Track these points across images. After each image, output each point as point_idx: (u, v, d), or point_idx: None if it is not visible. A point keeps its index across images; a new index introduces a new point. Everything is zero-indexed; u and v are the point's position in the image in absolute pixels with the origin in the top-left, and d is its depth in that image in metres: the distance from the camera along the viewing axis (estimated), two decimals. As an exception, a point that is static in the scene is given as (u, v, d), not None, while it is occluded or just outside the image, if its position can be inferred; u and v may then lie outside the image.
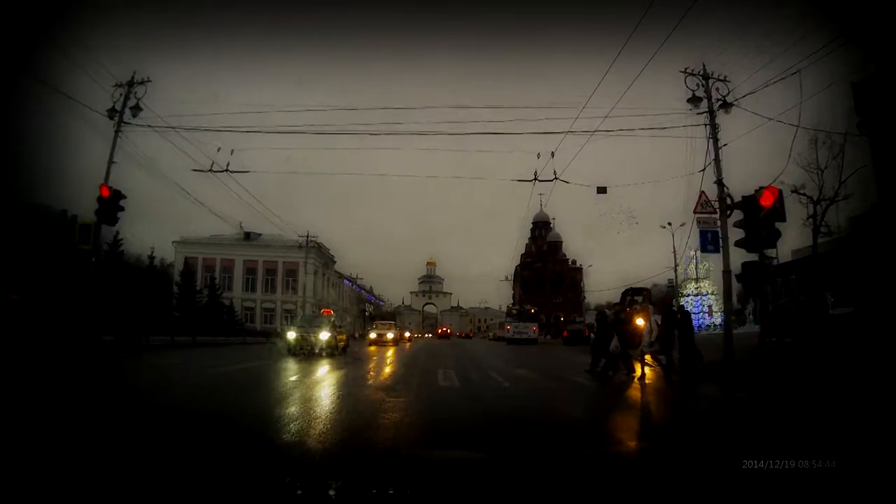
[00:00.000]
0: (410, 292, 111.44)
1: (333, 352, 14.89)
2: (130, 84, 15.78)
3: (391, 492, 2.36)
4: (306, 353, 13.87)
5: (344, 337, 17.46)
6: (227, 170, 15.14)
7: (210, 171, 15.16)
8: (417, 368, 11.45)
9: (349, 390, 7.35)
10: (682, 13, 10.99)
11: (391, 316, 64.40)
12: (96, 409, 5.12)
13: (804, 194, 16.33)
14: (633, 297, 15.88)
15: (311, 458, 3.60)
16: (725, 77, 13.30)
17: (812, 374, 8.08)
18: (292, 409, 5.49)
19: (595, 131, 14.91)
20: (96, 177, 14.66)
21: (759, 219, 8.66)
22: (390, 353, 18.07)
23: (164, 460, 2.78)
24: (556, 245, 70.99)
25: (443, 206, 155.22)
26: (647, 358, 9.34)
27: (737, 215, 11.16)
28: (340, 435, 4.31)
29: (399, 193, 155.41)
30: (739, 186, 11.98)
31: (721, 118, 13.06)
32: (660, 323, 9.35)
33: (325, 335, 14.51)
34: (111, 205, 14.14)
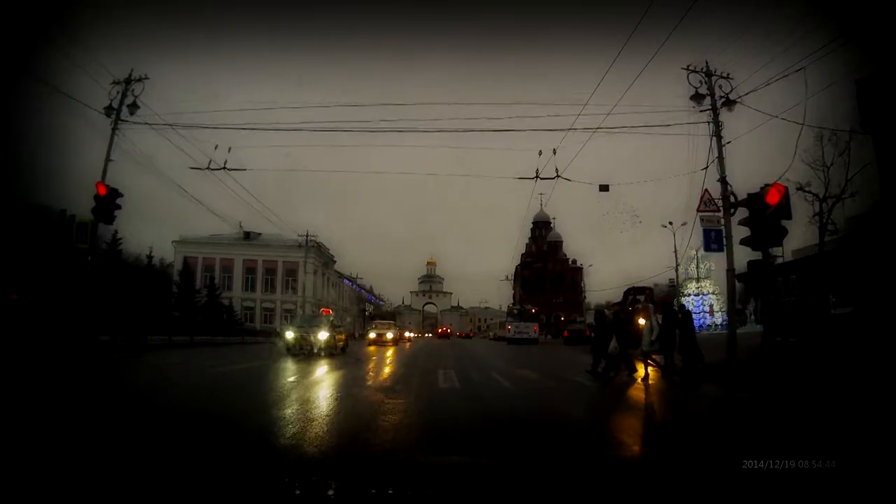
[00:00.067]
0: (410, 292, 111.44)
1: (332, 352, 14.77)
2: (128, 81, 15.66)
3: (390, 492, 2.36)
4: (305, 354, 13.74)
5: (343, 337, 17.32)
6: (224, 167, 15.02)
7: (207, 168, 15.04)
8: (417, 369, 11.33)
9: (348, 391, 7.24)
10: (682, 13, 10.95)
11: (391, 316, 64.41)
12: (96, 409, 5.07)
13: (810, 192, 16.20)
14: (636, 296, 15.82)
15: (306, 461, 3.53)
16: (728, 74, 13.18)
17: (817, 374, 7.97)
18: (289, 412, 5.38)
19: (598, 128, 14.80)
20: (96, 176, 14.60)
21: (765, 216, 8.52)
22: (390, 353, 17.94)
23: (163, 461, 2.84)
24: (557, 245, 70.91)
25: (443, 205, 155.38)
26: (656, 357, 9.22)
27: (740, 214, 11.06)
28: (338, 438, 4.21)
29: (399, 193, 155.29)
30: (741, 185, 11.94)
31: (723, 116, 12.95)
32: (660, 322, 9.24)
33: (323, 335, 14.38)
34: (108, 203, 14.03)
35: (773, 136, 15.14)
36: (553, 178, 14.70)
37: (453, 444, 4.14)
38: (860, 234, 15.53)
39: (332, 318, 16.88)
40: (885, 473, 2.42)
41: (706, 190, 11.76)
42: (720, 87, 13.04)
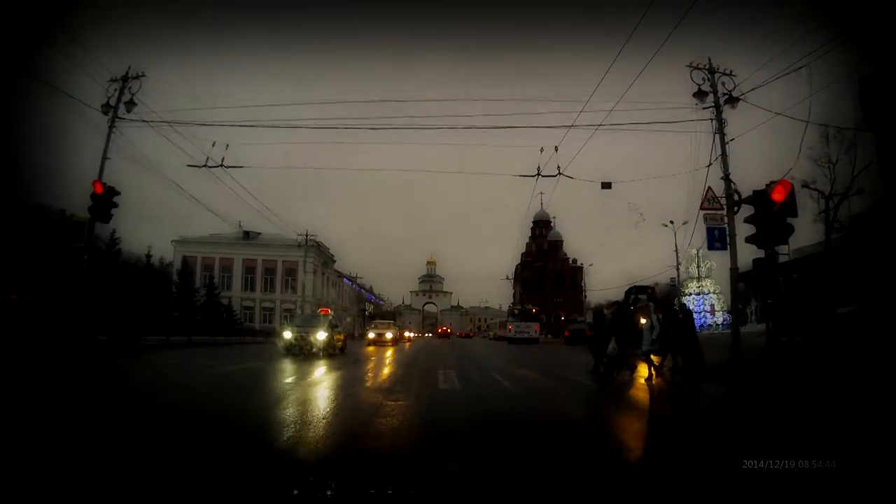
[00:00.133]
0: (410, 291, 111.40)
1: (331, 352, 14.62)
2: (125, 79, 15.54)
3: (390, 492, 2.36)
4: (305, 354, 13.58)
5: (342, 337, 17.15)
6: (222, 165, 14.87)
7: (205, 166, 14.89)
8: (417, 369, 11.20)
9: (346, 393, 7.10)
10: (681, 13, 10.90)
11: (391, 315, 64.29)
12: (92, 410, 5.03)
13: (815, 189, 16.07)
14: (637, 295, 15.66)
15: (302, 466, 3.40)
16: (731, 71, 13.06)
17: (823, 374, 7.85)
18: (285, 414, 5.24)
19: (600, 125, 14.65)
20: (96, 176, 14.52)
21: (771, 214, 8.38)
22: (389, 353, 17.79)
23: (160, 462, 2.87)
24: (557, 244, 70.86)
25: (443, 204, 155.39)
26: (654, 358, 9.09)
27: (743, 212, 10.94)
28: (335, 440, 4.07)
29: (399, 193, 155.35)
30: (742, 183, 11.88)
31: (725, 113, 12.84)
32: (661, 321, 9.11)
33: (322, 335, 14.22)
34: (105, 201, 13.92)
35: (773, 136, 15.09)
36: (555, 176, 14.57)
37: (454, 446, 4.04)
38: (861, 233, 15.43)
39: (330, 318, 16.71)
40: (886, 473, 2.43)
41: (709, 188, 11.65)
42: (723, 83, 12.95)
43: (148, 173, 16.94)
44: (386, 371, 10.86)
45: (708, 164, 12.12)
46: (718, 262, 36.05)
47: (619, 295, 19.89)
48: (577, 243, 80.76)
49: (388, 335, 25.49)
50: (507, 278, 65.31)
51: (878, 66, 13.87)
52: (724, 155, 11.99)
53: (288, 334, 14.38)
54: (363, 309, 66.21)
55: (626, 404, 6.79)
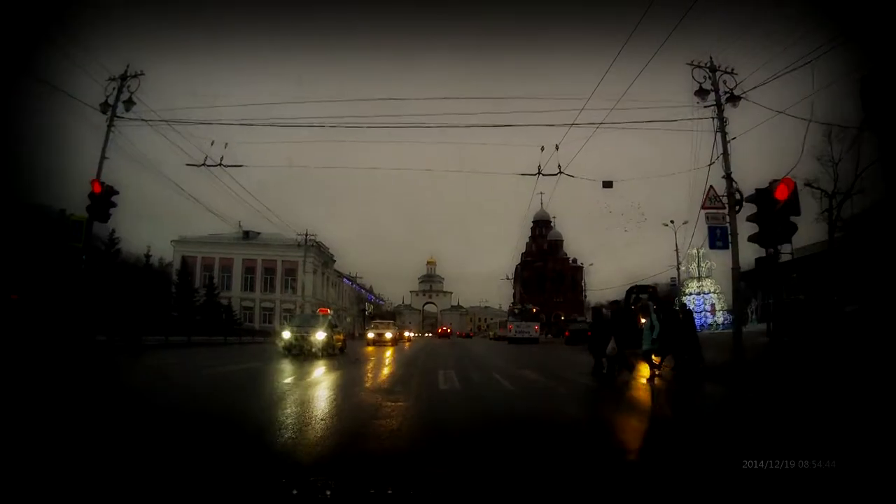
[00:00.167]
0: (410, 291, 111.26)
1: (330, 352, 14.54)
2: (123, 78, 15.45)
3: (390, 492, 2.36)
4: (305, 354, 13.51)
5: (341, 337, 17.07)
6: (220, 164, 14.79)
7: (203, 165, 14.81)
8: (417, 369, 11.13)
9: (345, 393, 7.05)
10: (681, 13, 10.86)
11: (391, 315, 64.19)
12: (94, 410, 5.03)
13: (818, 188, 15.99)
14: (639, 294, 15.57)
15: (298, 468, 3.32)
16: (732, 69, 12.99)
17: (827, 374, 7.78)
18: (282, 416, 5.17)
19: (600, 124, 14.57)
20: (95, 175, 14.44)
21: (774, 213, 8.32)
22: (389, 353, 17.73)
23: (160, 462, 2.86)
24: (557, 244, 70.77)
25: (443, 204, 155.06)
26: (655, 358, 9.03)
27: (745, 211, 10.87)
28: (334, 441, 4.02)
29: (399, 192, 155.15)
30: (742, 183, 11.83)
31: (726, 113, 12.77)
32: (661, 321, 9.04)
33: (320, 335, 14.13)
34: (103, 201, 13.85)
35: (772, 135, 15.04)
36: (555, 175, 14.48)
37: (455, 447, 3.98)
38: (862, 232, 15.38)
39: (329, 318, 16.63)
40: (886, 473, 2.43)
41: (711, 186, 11.57)
42: (724, 82, 12.86)
43: (147, 173, 16.91)
44: (385, 371, 10.80)
45: (709, 162, 12.06)
46: (719, 261, 35.97)
47: (619, 294, 19.84)
48: (577, 243, 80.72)
49: (388, 335, 25.34)
50: (507, 278, 65.35)
51: (879, 66, 13.85)
52: (725, 154, 11.92)
53: (287, 334, 14.30)
54: (363, 309, 66.12)
55: (627, 405, 6.77)
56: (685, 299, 35.12)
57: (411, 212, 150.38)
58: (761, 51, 18.06)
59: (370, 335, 25.99)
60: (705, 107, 12.65)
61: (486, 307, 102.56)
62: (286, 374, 9.43)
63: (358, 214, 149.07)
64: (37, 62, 14.16)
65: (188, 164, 15.16)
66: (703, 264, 41.47)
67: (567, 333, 31.29)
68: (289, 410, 5.44)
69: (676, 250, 29.43)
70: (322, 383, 8.25)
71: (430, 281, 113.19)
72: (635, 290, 16.75)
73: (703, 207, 11.57)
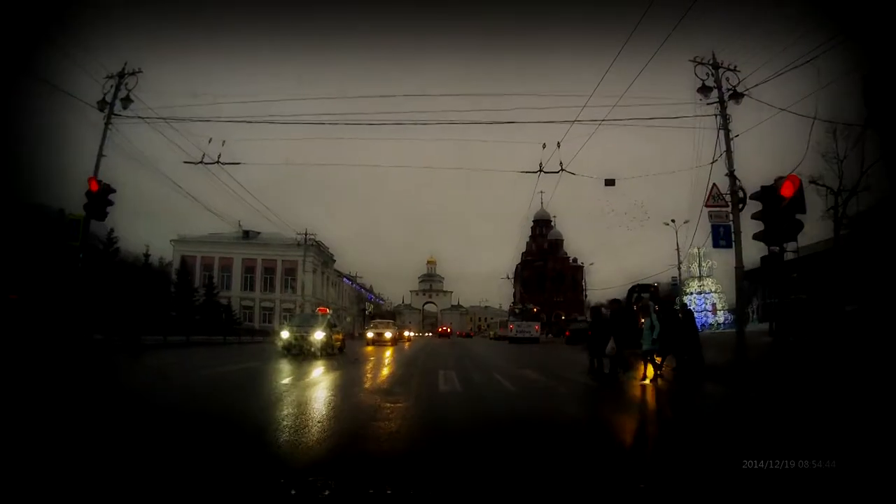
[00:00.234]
0: (410, 291, 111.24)
1: (329, 352, 14.43)
2: (121, 75, 15.33)
3: (389, 492, 2.33)
4: (304, 354, 13.39)
5: (340, 337, 16.93)
6: (218, 161, 14.65)
7: (201, 162, 14.67)
8: (416, 369, 11.02)
9: (343, 394, 6.93)
10: (681, 13, 10.79)
11: (391, 315, 64.08)
12: (92, 410, 5.02)
13: (823, 185, 15.86)
14: (640, 293, 15.39)
15: (294, 471, 3.17)
16: (735, 67, 12.87)
17: (831, 374, 7.67)
18: (279, 418, 5.05)
19: (602, 121, 14.44)
20: (96, 176, 14.37)
21: (780, 210, 8.18)
22: (388, 353, 17.60)
23: (158, 462, 2.87)
24: (557, 243, 70.64)
25: (443, 204, 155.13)
26: (657, 359, 8.89)
27: (748, 210, 10.76)
28: (332, 443, 3.90)
29: (399, 192, 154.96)
30: (744, 181, 11.73)
31: (729, 110, 12.66)
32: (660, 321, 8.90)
33: (319, 335, 14.00)
34: (100, 199, 13.73)
35: (774, 134, 14.98)
36: (557, 173, 14.35)
37: (456, 449, 3.87)
38: (865, 231, 15.28)
39: (328, 318, 16.51)
40: (886, 473, 2.44)
41: (714, 184, 11.44)
42: (727, 79, 12.73)
43: (147, 172, 16.87)
44: (385, 371, 10.68)
45: (712, 160, 11.93)
46: (720, 260, 35.90)
47: (620, 294, 19.68)
48: (577, 242, 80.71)
49: (388, 335, 25.13)
50: (508, 278, 65.28)
51: (881, 64, 13.78)
52: (728, 151, 11.79)
53: (285, 334, 14.18)
54: (363, 308, 66.03)
55: (627, 405, 6.74)
56: (686, 299, 35.03)
57: (411, 211, 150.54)
58: (761, 51, 17.98)
59: (369, 335, 25.78)
60: (708, 104, 12.53)
61: (486, 307, 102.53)
62: (284, 374, 9.30)
63: (358, 214, 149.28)
64: (37, 62, 14.14)
65: (185, 162, 15.06)
66: (704, 263, 41.36)
67: (568, 333, 31.18)
68: (285, 412, 5.33)
69: (677, 249, 29.33)
70: (320, 384, 8.14)
71: (430, 280, 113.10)
72: (637, 290, 16.55)
73: (706, 205, 11.44)
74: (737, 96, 12.46)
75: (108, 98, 15.07)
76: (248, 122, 15.31)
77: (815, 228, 16.92)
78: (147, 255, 33.22)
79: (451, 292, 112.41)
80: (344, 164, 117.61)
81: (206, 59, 67.40)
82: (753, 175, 11.85)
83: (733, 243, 11.30)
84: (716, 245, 11.37)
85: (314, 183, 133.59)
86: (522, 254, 70.86)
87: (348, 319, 54.92)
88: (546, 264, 67.57)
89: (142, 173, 17.72)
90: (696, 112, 12.96)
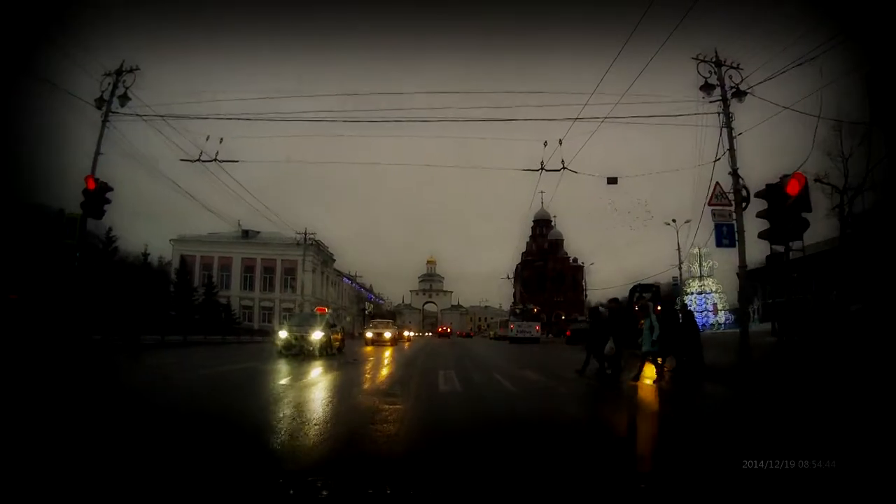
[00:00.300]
0: (410, 291, 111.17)
1: (328, 352, 14.30)
2: (119, 73, 15.23)
3: (388, 492, 2.34)
4: (304, 354, 13.26)
5: (339, 336, 16.80)
6: (215, 159, 14.53)
7: (198, 160, 14.55)
8: (416, 370, 10.90)
9: (341, 395, 6.80)
10: (682, 12, 10.72)
11: (391, 315, 63.84)
12: (90, 410, 5.01)
13: (828, 184, 15.74)
14: (642, 293, 15.29)
15: (289, 475, 3.06)
16: (738, 65, 12.77)
17: (835, 374, 7.56)
18: (274, 421, 4.93)
19: (604, 118, 14.35)
20: (96, 175, 14.30)
21: (786, 208, 8.06)
22: (388, 353, 17.48)
23: (154, 462, 2.90)
24: (558, 243, 70.51)
25: (443, 204, 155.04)
26: (658, 360, 8.77)
27: (752, 209, 10.67)
28: (329, 445, 3.81)
29: (399, 192, 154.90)
30: (747, 180, 11.64)
31: (732, 109, 12.56)
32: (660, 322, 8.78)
33: (318, 335, 13.86)
34: (97, 197, 13.64)
35: (774, 133, 14.92)
36: (559, 171, 14.23)
37: (457, 451, 3.78)
38: (867, 230, 15.19)
39: (327, 317, 16.37)
40: (886, 473, 2.44)
41: (717, 183, 11.33)
42: (730, 77, 12.64)
43: (147, 171, 16.75)
44: (384, 372, 10.56)
45: (715, 158, 11.81)
46: (721, 260, 35.78)
47: (620, 294, 19.60)
48: (577, 242, 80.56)
49: (387, 335, 24.87)
50: (508, 277, 65.21)
51: (883, 62, 13.70)
52: (731, 150, 11.69)
53: (284, 334, 14.04)
54: (363, 308, 65.90)
55: (629, 405, 6.69)
56: (687, 299, 34.91)
57: (411, 211, 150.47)
58: (761, 50, 17.98)
59: (368, 335, 25.49)
60: (711, 102, 12.45)
61: (486, 307, 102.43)
62: (281, 375, 9.17)
63: (357, 213, 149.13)
64: (37, 62, 14.13)
65: (182, 160, 14.95)
66: (705, 263, 41.22)
67: (568, 333, 31.10)
68: (283, 413, 5.22)
69: (678, 249, 29.20)
70: (318, 384, 8.03)
71: (430, 280, 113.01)
72: (638, 289, 16.50)
73: (709, 204, 11.33)
74: (739, 94, 12.37)
75: (106, 96, 14.98)
76: (246, 120, 15.18)
77: (820, 227, 16.82)
78: (146, 255, 33.16)
79: (451, 292, 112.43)
80: (343, 163, 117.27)
81: (206, 58, 67.26)
82: (756, 174, 11.78)
83: (736, 242, 11.19)
84: (719, 244, 11.26)
85: (314, 182, 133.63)
86: (522, 254, 70.75)
87: (348, 319, 54.80)
88: (546, 264, 67.43)
89: (141, 173, 17.63)
90: (698, 110, 12.88)
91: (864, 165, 15.64)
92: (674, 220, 29.16)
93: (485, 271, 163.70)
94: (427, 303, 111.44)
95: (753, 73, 12.56)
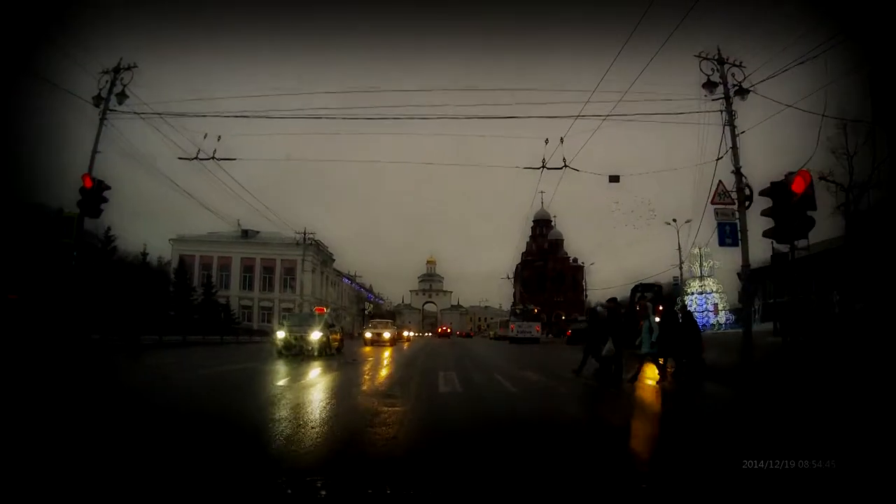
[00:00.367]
0: (410, 291, 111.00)
1: (327, 352, 14.18)
2: (116, 70, 15.13)
3: (388, 492, 2.36)
4: (304, 354, 13.15)
5: (338, 337, 16.67)
6: (213, 157, 14.42)
7: (196, 158, 14.45)
8: (416, 370, 10.79)
9: (340, 397, 6.68)
10: (682, 12, 10.67)
11: (391, 315, 63.74)
12: (90, 410, 5.02)
13: (833, 181, 15.64)
14: (644, 293, 15.16)
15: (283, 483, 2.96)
16: (741, 62, 12.67)
17: (839, 374, 7.46)
18: (271, 421, 4.83)
19: (607, 116, 14.23)
20: (95, 173, 14.23)
21: (791, 206, 7.95)
22: (387, 353, 17.36)
23: (152, 462, 2.88)
24: (558, 243, 70.39)
25: (443, 204, 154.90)
26: (660, 361, 8.64)
27: (755, 208, 10.57)
28: (330, 445, 3.77)
29: (398, 192, 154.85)
30: (749, 179, 11.52)
31: (734, 107, 12.46)
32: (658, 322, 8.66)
33: (316, 335, 13.73)
34: (94, 196, 13.57)
35: (775, 132, 14.84)
36: (560, 169, 14.10)
37: (457, 451, 3.74)
38: (871, 227, 15.12)
39: (326, 317, 16.24)
40: (886, 473, 2.45)
41: (720, 181, 11.22)
42: (732, 75, 12.54)
43: (146, 171, 16.77)
44: (384, 373, 10.45)
45: (718, 157, 11.70)
46: (722, 260, 35.66)
47: (620, 293, 19.46)
48: (577, 242, 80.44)
49: (386, 335, 24.58)
50: (508, 277, 65.07)
51: (884, 61, 13.63)
52: (734, 148, 11.58)
53: (281, 334, 13.91)
54: (363, 308, 65.78)
55: (630, 406, 6.64)
56: (688, 299, 34.80)
57: (411, 211, 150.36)
58: (761, 50, 17.96)
59: (367, 335, 25.14)
60: (713, 100, 12.35)
61: (486, 307, 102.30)
62: (280, 375, 9.05)
63: (357, 213, 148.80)
64: (37, 62, 14.14)
65: (180, 158, 14.84)
66: (705, 263, 41.10)
67: (569, 333, 31.01)
68: (281, 415, 5.12)
69: (679, 249, 29.09)
70: (317, 385, 7.91)
71: (430, 280, 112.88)
72: (640, 289, 16.35)
73: (711, 203, 11.22)
74: (742, 92, 12.27)
75: (104, 93, 14.89)
76: (244, 118, 15.03)
77: (823, 226, 16.71)
78: (145, 254, 33.04)
79: (451, 292, 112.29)
80: (343, 161, 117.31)
81: (206, 58, 67.14)
82: (758, 172, 11.69)
83: (739, 241, 11.07)
84: (721, 243, 11.16)
85: (313, 182, 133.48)
86: (522, 254, 70.63)
87: (348, 319, 54.70)
88: (546, 264, 67.30)
89: (141, 172, 17.62)
90: (700, 108, 12.78)
91: (870, 163, 15.54)
92: (674, 220, 29.07)
93: (485, 271, 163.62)
94: (427, 303, 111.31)
95: (754, 72, 12.50)
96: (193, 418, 4.79)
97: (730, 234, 10.94)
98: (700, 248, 35.57)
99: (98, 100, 14.95)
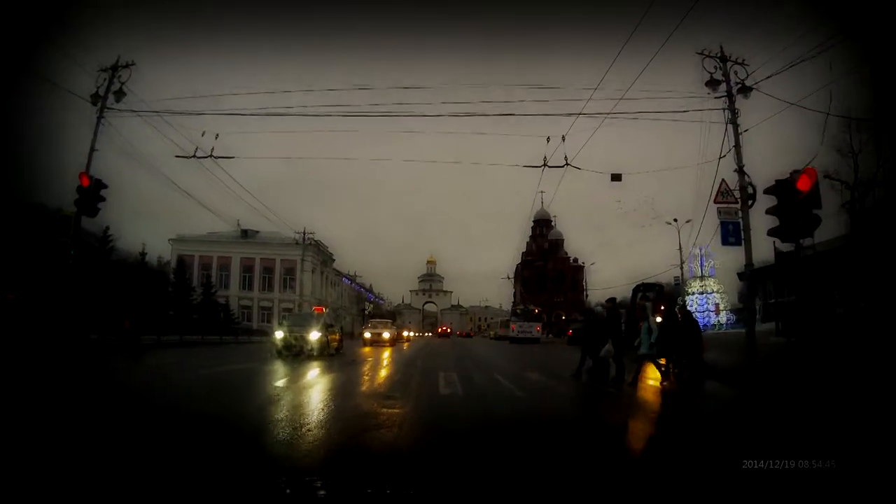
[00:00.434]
0: (410, 291, 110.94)
1: (326, 352, 14.07)
2: (114, 68, 15.03)
3: (388, 491, 2.38)
4: (304, 354, 13.03)
5: (337, 337, 16.54)
6: (211, 155, 14.31)
7: (193, 156, 14.34)
8: (416, 370, 10.69)
9: (339, 398, 6.57)
10: (682, 12, 10.62)
11: (391, 315, 63.61)
12: (92, 410, 5.01)
13: (838, 179, 15.55)
14: (645, 293, 15.04)
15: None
16: (743, 60, 12.58)
17: (841, 374, 7.37)
18: (270, 421, 4.75)
19: (608, 114, 14.12)
20: (95, 173, 14.18)
21: (796, 205, 7.84)
22: (387, 353, 17.25)
23: (151, 462, 2.86)
24: (558, 243, 70.35)
25: (443, 204, 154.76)
26: (661, 360, 8.53)
27: (758, 206, 10.49)
28: (329, 445, 3.72)
29: (399, 192, 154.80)
30: (752, 177, 11.41)
31: (737, 105, 12.37)
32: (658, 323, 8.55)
33: (315, 335, 13.60)
34: (92, 195, 13.46)
35: (778, 131, 14.75)
36: (562, 167, 13.99)
37: (457, 451, 3.70)
38: (875, 226, 15.05)
39: (325, 317, 16.13)
40: (886, 473, 2.44)
41: (723, 180, 11.13)
42: (735, 73, 12.45)
43: (146, 171, 16.82)
44: (383, 373, 10.35)
45: (721, 155, 11.60)
46: (722, 260, 35.57)
47: (620, 293, 19.38)
48: (578, 242, 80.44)
49: (386, 335, 24.32)
50: (508, 277, 64.98)
51: (884, 61, 13.57)
52: (737, 146, 11.48)
53: (280, 334, 13.80)
54: (363, 308, 65.66)
55: (631, 406, 6.61)
56: (688, 299, 34.71)
57: (411, 211, 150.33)
58: (761, 50, 17.90)
59: (367, 335, 24.85)
60: (716, 98, 12.26)
61: (486, 307, 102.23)
62: (279, 376, 8.95)
63: (357, 213, 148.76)
64: (37, 62, 14.12)
65: (178, 156, 14.74)
66: (706, 263, 41.02)
67: (570, 333, 30.92)
68: (279, 415, 5.05)
69: (680, 249, 28.98)
70: (315, 386, 7.81)
71: (430, 280, 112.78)
72: (642, 288, 16.21)
73: (714, 201, 11.12)
74: (745, 90, 12.17)
75: (101, 91, 14.80)
76: (243, 116, 14.94)
77: (828, 224, 16.60)
78: (144, 254, 32.93)
79: (451, 292, 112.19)
80: (343, 159, 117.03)
81: (206, 58, 67.15)
82: (760, 171, 11.60)
83: (742, 241, 10.97)
84: (724, 242, 11.06)
85: (313, 182, 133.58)
86: (523, 254, 70.57)
87: (347, 319, 54.59)
88: (546, 264, 67.26)
89: (140, 172, 17.68)
90: (703, 106, 12.69)
91: (875, 161, 15.45)
92: (675, 220, 28.98)
93: (485, 271, 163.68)
94: (427, 303, 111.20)
95: (755, 72, 12.43)
96: (193, 419, 4.78)
97: (733, 232, 10.84)
98: (700, 248, 35.46)
99: (96, 97, 14.86)
